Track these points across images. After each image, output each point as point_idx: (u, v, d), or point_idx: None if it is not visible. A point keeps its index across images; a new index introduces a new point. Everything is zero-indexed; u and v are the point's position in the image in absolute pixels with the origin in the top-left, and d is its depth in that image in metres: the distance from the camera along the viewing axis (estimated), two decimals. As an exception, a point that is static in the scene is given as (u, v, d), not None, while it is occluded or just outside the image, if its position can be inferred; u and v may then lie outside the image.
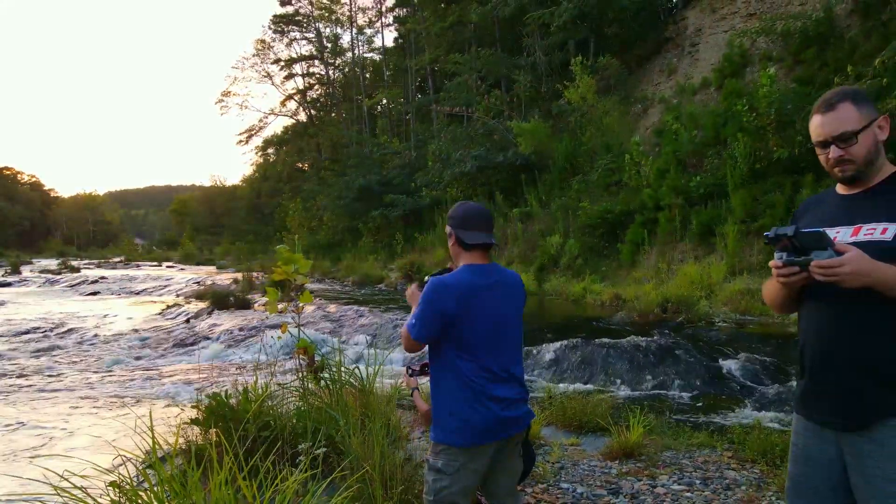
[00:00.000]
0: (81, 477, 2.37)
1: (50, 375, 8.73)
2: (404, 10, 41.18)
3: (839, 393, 1.79)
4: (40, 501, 2.27)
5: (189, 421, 3.78)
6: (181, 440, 3.61)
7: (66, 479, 2.29)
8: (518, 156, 21.57)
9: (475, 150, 23.41)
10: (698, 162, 14.75)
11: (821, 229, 1.72)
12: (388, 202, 28.67)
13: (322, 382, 3.97)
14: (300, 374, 3.93)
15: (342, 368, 4.16)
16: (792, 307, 1.96)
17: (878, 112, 1.83)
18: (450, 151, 25.27)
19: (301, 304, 3.96)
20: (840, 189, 1.92)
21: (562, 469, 4.19)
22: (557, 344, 8.52)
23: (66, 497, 2.26)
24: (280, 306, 4.06)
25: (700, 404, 6.53)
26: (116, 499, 2.35)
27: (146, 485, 2.61)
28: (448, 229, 2.47)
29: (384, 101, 44.20)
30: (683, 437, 4.95)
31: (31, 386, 8.01)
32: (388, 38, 49.87)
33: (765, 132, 12.69)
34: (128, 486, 2.43)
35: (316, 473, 2.55)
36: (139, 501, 2.36)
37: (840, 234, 1.79)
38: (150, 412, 2.92)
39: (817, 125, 1.86)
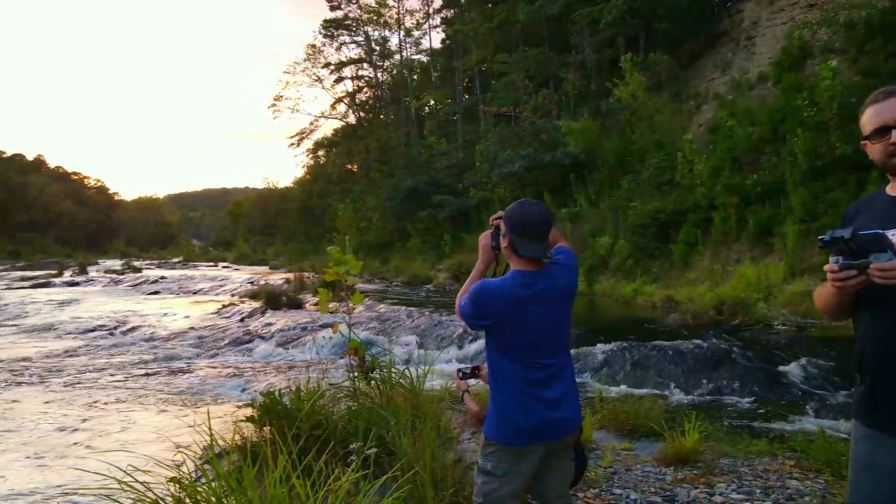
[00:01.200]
0: (144, 472, 2.45)
1: (113, 372, 9.09)
2: (451, 11, 41.29)
3: None
4: (106, 495, 2.35)
5: (244, 418, 3.88)
6: (236, 437, 3.70)
7: (130, 474, 2.38)
8: (567, 155, 21.32)
9: (523, 149, 23.26)
10: (755, 159, 14.27)
11: (879, 231, 1.65)
12: (436, 203, 28.76)
13: (372, 383, 4.01)
14: (351, 374, 3.97)
15: (392, 369, 4.18)
16: (845, 313, 1.89)
17: None
18: (497, 152, 25.19)
19: (352, 305, 4.00)
20: (891, 190, 1.85)
21: (614, 474, 4.11)
22: (608, 346, 8.38)
23: (129, 491, 2.34)
24: (331, 306, 4.11)
25: (759, 410, 6.31)
26: (176, 493, 2.42)
27: (203, 480, 2.68)
28: (503, 228, 2.43)
29: (432, 103, 44.38)
30: (742, 444, 4.79)
31: (96, 382, 8.36)
32: (436, 39, 50.19)
33: (826, 127, 12.18)
34: (186, 482, 2.50)
35: (367, 474, 2.57)
36: (198, 497, 2.42)
37: None
38: (208, 410, 3.00)
39: (876, 112, 1.80)
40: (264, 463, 2.45)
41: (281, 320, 12.87)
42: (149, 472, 2.54)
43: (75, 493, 3.75)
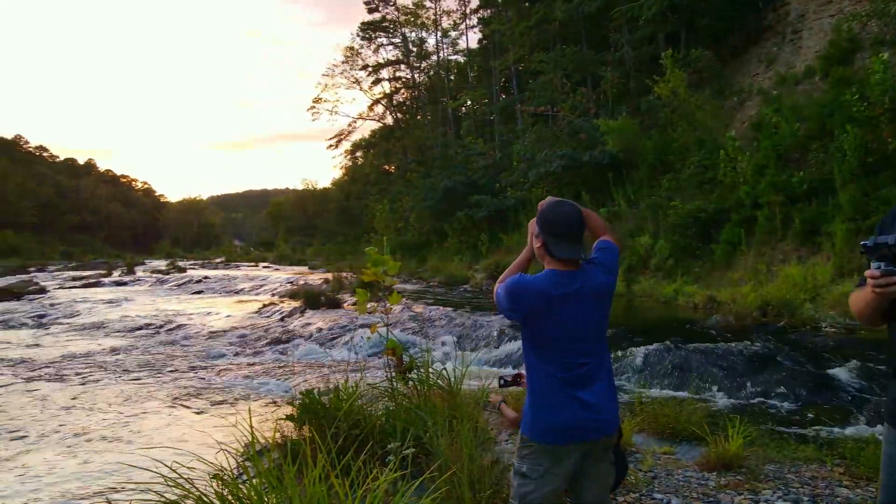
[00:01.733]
0: (188, 468, 2.51)
1: (159, 369, 9.35)
2: (488, 11, 41.20)
3: None
4: (152, 490, 2.42)
5: (284, 417, 3.94)
6: (277, 435, 3.76)
7: (175, 471, 2.44)
8: (605, 154, 21.08)
9: (561, 149, 23.08)
10: (801, 156, 13.85)
11: None
12: (473, 203, 28.75)
13: (410, 383, 4.03)
14: (389, 375, 4.00)
15: (429, 369, 4.19)
16: (882, 319, 1.87)
17: None
18: (535, 151, 25.04)
19: (389, 305, 4.03)
20: None
21: (655, 478, 4.04)
22: (648, 347, 8.25)
23: (174, 487, 2.41)
24: (369, 307, 4.15)
25: (806, 415, 6.12)
26: (219, 490, 2.48)
27: (245, 477, 2.73)
28: (535, 228, 2.40)
29: (468, 103, 44.36)
30: (788, 449, 4.65)
31: (142, 379, 8.61)
32: (472, 39, 50.17)
33: (877, 122, 11.75)
34: (228, 479, 2.56)
35: (405, 474, 2.58)
36: (239, 494, 2.47)
37: None
38: (249, 408, 3.06)
39: None
40: (304, 462, 2.49)
41: (320, 320, 13.04)
42: (192, 468, 2.60)
43: (122, 489, 3.87)
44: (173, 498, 2.42)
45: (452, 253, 29.11)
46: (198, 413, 6.63)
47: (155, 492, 2.40)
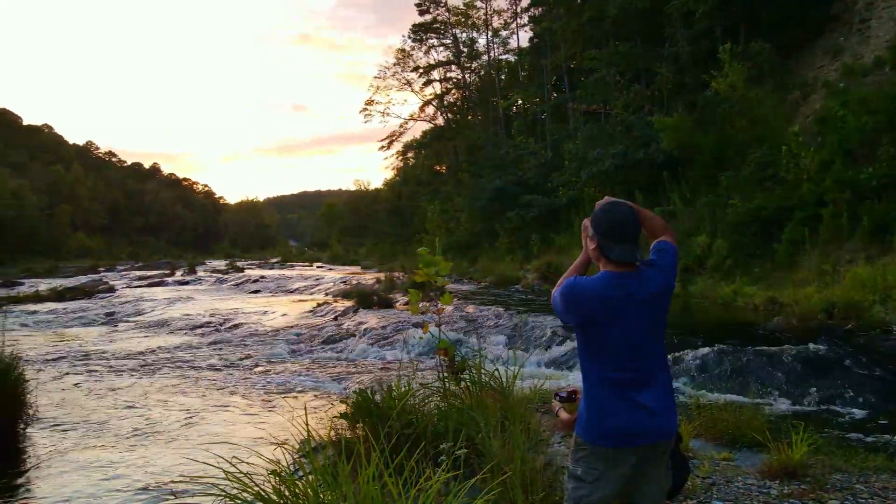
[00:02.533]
0: (247, 464, 2.59)
1: (218, 366, 9.66)
2: (539, 9, 40.86)
3: None
4: (213, 484, 2.50)
5: (338, 415, 4.01)
6: (331, 433, 3.83)
7: (235, 466, 2.52)
8: (660, 152, 20.61)
9: (613, 147, 22.69)
10: (870, 152, 13.18)
11: None
12: (524, 203, 28.57)
13: (462, 383, 4.04)
14: (441, 375, 4.02)
15: (481, 370, 4.20)
16: None
17: None
18: (586, 150, 24.71)
19: (441, 306, 4.05)
20: None
21: (713, 485, 3.92)
22: (705, 350, 8.02)
23: (234, 482, 2.49)
24: (421, 307, 4.18)
25: (876, 422, 5.83)
26: (276, 486, 2.55)
27: (300, 473, 2.80)
28: (589, 230, 2.36)
29: (519, 102, 44.11)
30: (856, 458, 4.45)
31: (202, 375, 8.91)
32: (523, 38, 49.68)
33: (955, 114, 11.09)
34: (285, 475, 2.62)
35: (458, 474, 2.59)
36: (296, 490, 2.53)
37: None
38: (305, 406, 3.13)
39: None
40: (358, 460, 2.53)
41: (372, 319, 13.21)
42: (251, 464, 2.68)
43: (185, 482, 4.01)
44: (233, 492, 2.50)
45: (503, 253, 29.01)
46: (255, 410, 6.82)
47: (216, 486, 2.48)
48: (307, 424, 3.08)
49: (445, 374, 3.98)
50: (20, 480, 4.70)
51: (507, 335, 10.86)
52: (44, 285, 26.94)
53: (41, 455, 5.21)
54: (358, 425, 3.86)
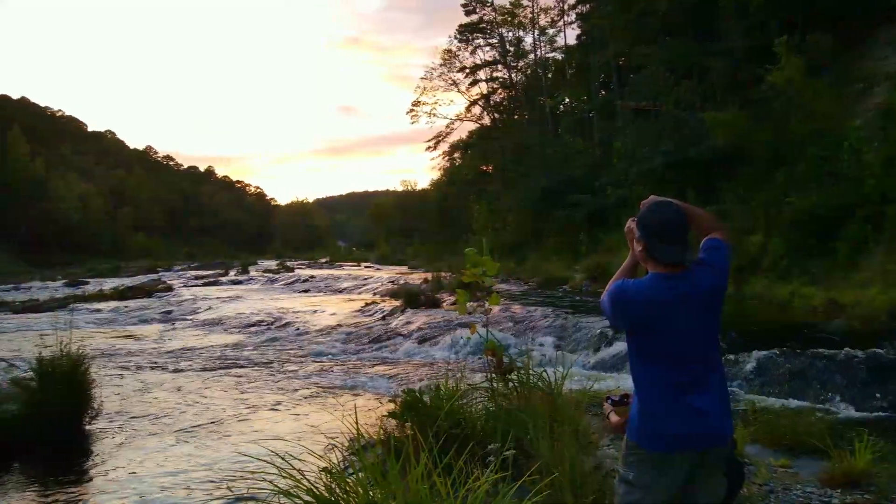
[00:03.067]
0: (299, 460, 2.65)
1: (270, 364, 9.89)
2: (587, 6, 40.33)
3: None
4: (267, 480, 2.57)
5: (386, 414, 4.06)
6: (380, 431, 3.88)
7: (287, 462, 2.58)
8: (712, 149, 20.04)
9: (663, 145, 22.20)
10: (940, 145, 12.53)
11: None
12: (572, 202, 28.23)
13: (510, 384, 4.02)
14: (489, 375, 4.02)
15: (530, 371, 4.17)
16: None
17: None
18: (636, 148, 24.26)
19: (489, 306, 4.05)
20: None
21: (771, 493, 3.80)
22: (761, 353, 7.77)
23: (287, 478, 2.55)
24: (469, 307, 4.18)
25: (947, 431, 5.53)
26: (327, 483, 2.59)
27: (350, 471, 2.84)
28: (637, 233, 2.31)
29: (567, 101, 43.64)
30: (925, 468, 4.23)
31: (255, 373, 9.14)
32: (571, 36, 49.11)
33: None
34: (336, 472, 2.67)
35: (506, 475, 2.59)
36: (346, 487, 2.58)
37: None
38: (354, 404, 3.18)
39: None
40: (406, 459, 2.55)
41: (420, 319, 13.29)
42: (303, 460, 2.74)
43: (239, 477, 4.12)
44: (285, 487, 2.56)
45: (551, 253, 28.73)
46: (305, 407, 6.96)
47: (269, 481, 2.54)
48: (356, 423, 3.13)
49: (493, 375, 3.97)
50: (85, 471, 4.92)
51: (555, 336, 10.75)
52: (107, 285, 28.15)
53: (104, 447, 5.44)
54: (406, 424, 3.89)
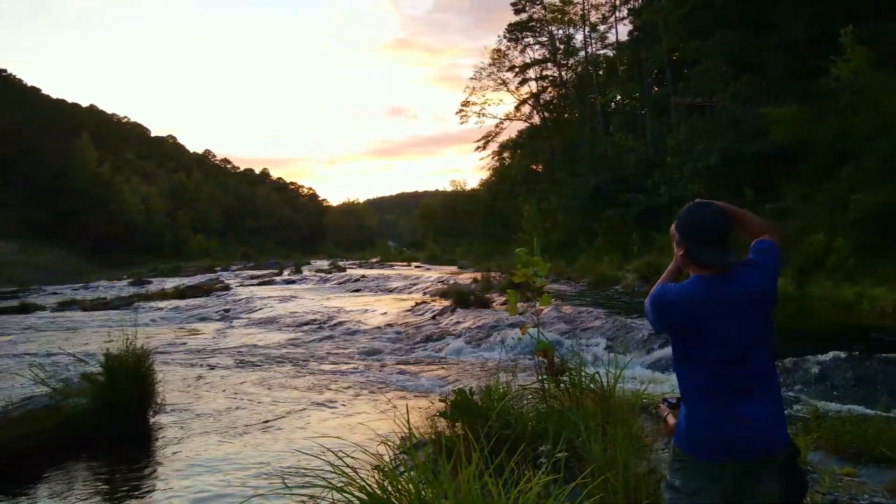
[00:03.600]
0: (351, 458, 2.70)
1: (323, 362, 10.07)
2: (639, 0, 39.58)
3: None
4: (320, 476, 2.62)
5: (437, 413, 4.08)
6: (431, 430, 3.91)
7: (341, 459, 2.63)
8: (771, 145, 19.36)
9: (719, 141, 21.58)
10: None
11: None
12: (624, 201, 27.78)
13: (562, 385, 3.99)
14: (540, 376, 3.99)
15: (582, 372, 4.13)
16: None
17: None
18: (691, 145, 23.66)
19: (540, 307, 4.02)
20: None
21: (835, 502, 3.65)
22: (825, 357, 7.45)
23: (340, 474, 2.60)
24: (519, 307, 4.17)
25: None
26: (380, 481, 2.63)
27: (402, 469, 2.87)
28: (676, 236, 2.25)
29: (618, 98, 42.93)
30: None
31: (308, 371, 9.33)
32: (622, 32, 48.31)
33: None
34: (388, 470, 2.71)
35: (558, 478, 2.57)
36: (398, 485, 2.61)
37: None
38: (406, 404, 3.21)
39: None
40: (457, 458, 2.57)
41: (469, 319, 13.30)
42: (355, 458, 2.79)
43: (294, 473, 4.22)
44: (339, 485, 2.61)
45: (602, 252, 28.31)
46: (357, 404, 7.06)
47: (324, 478, 2.60)
48: (408, 422, 3.16)
49: (545, 376, 3.94)
50: (147, 464, 5.13)
51: (606, 337, 10.60)
52: (168, 284, 29.25)
53: (165, 441, 5.66)
54: (457, 424, 3.91)
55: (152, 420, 6.02)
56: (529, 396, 4.04)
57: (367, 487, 2.57)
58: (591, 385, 4.10)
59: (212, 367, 9.55)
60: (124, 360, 5.61)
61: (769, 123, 19.49)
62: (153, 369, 5.95)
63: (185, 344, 12.13)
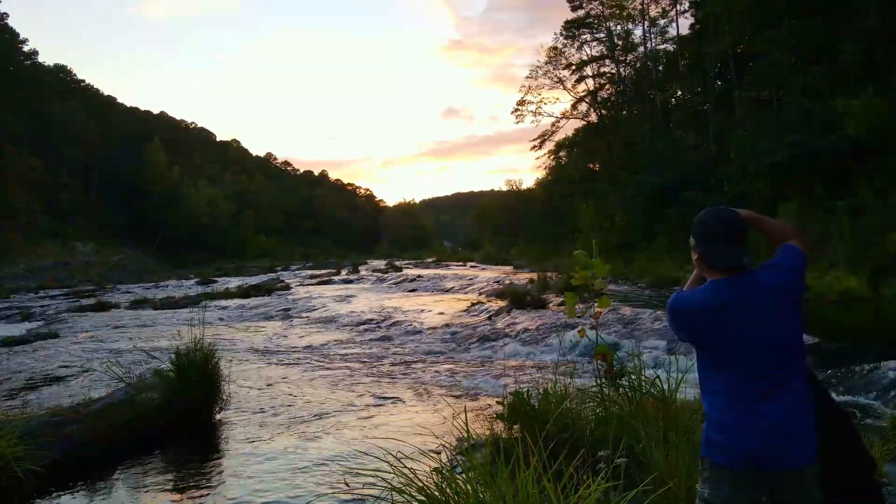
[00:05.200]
0: (410, 459, 2.73)
1: (381, 362, 10.21)
2: (702, -8, 38.42)
3: None
4: (380, 477, 2.67)
5: (494, 415, 4.09)
6: (487, 432, 3.91)
7: (400, 461, 2.67)
8: (845, 139, 18.48)
9: (788, 137, 20.73)
10: None
11: None
12: (685, 200, 27.03)
13: (621, 389, 3.93)
14: (598, 380, 3.94)
15: (642, 376, 4.05)
16: None
17: None
18: (756, 141, 22.83)
19: (598, 309, 3.96)
20: None
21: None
22: (904, 363, 7.06)
23: (399, 475, 2.64)
24: (577, 309, 4.12)
25: None
26: (438, 482, 2.66)
27: (459, 470, 2.89)
28: (692, 241, 2.25)
29: (679, 94, 41.82)
30: None
31: (366, 370, 9.47)
32: (683, 26, 46.92)
33: None
34: (446, 472, 2.73)
35: (618, 485, 2.53)
36: (456, 487, 2.63)
37: None
38: (464, 405, 3.23)
39: None
40: (516, 461, 2.56)
41: (526, 320, 13.22)
42: (412, 458, 2.82)
43: (353, 472, 4.30)
44: (398, 485, 2.65)
45: (662, 253, 27.64)
46: (414, 404, 7.13)
47: (383, 479, 2.64)
48: (466, 423, 3.17)
49: (603, 380, 3.89)
50: (212, 458, 5.32)
51: (666, 339, 10.33)
52: (232, 283, 30.26)
53: (230, 436, 5.86)
54: (514, 427, 3.90)
55: (218, 416, 6.24)
56: (588, 401, 4.00)
57: (426, 489, 2.60)
58: (652, 390, 4.02)
59: (274, 365, 9.83)
60: (193, 357, 5.85)
61: (842, 116, 18.62)
62: (219, 366, 6.17)
63: (248, 342, 12.52)
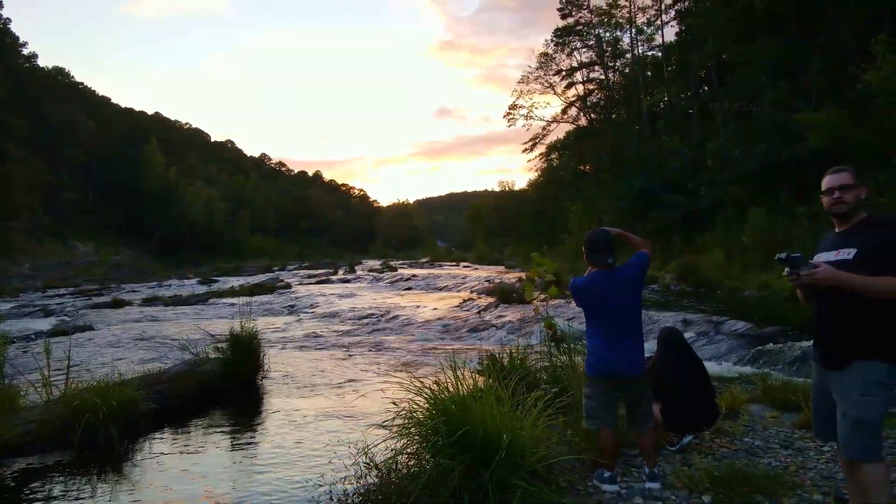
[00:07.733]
0: (410, 402, 4.23)
1: (384, 350, 11.71)
2: (686, 2, 40.02)
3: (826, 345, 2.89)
4: (392, 419, 4.17)
5: (476, 371, 5.59)
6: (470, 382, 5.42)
7: (408, 402, 4.17)
8: (807, 150, 20.06)
9: (758, 146, 22.31)
10: None
11: (800, 254, 2.84)
12: (667, 203, 28.46)
13: (561, 348, 5.46)
14: (547, 343, 5.49)
15: (571, 342, 5.57)
16: (805, 300, 3.10)
17: None
18: (731, 149, 24.37)
19: (549, 294, 5.50)
20: (836, 228, 3.05)
21: (752, 430, 5.08)
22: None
23: (415, 402, 4.13)
24: (543, 297, 5.64)
25: None
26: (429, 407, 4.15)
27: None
28: (583, 248, 3.83)
29: (665, 99, 43.40)
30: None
31: (372, 353, 10.97)
32: (669, 34, 48.70)
33: None
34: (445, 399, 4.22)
35: (548, 397, 4.07)
36: (444, 408, 4.12)
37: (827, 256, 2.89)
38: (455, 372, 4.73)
39: (826, 181, 3.11)
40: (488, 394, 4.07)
41: (511, 313, 14.76)
42: (413, 402, 4.30)
43: (378, 425, 5.81)
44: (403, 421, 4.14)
45: (645, 253, 29.06)
46: (415, 373, 8.61)
47: (396, 419, 4.14)
48: (456, 377, 4.66)
49: (551, 343, 5.42)
50: (258, 417, 6.79)
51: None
52: (232, 282, 31.57)
53: (271, 399, 7.35)
54: (490, 380, 5.41)
55: (260, 383, 7.76)
56: (540, 358, 5.54)
57: (433, 408, 4.09)
58: (579, 347, 5.54)
59: (293, 348, 11.33)
60: (242, 337, 7.38)
61: (805, 128, 20.17)
62: (261, 344, 7.69)
63: (265, 332, 14.00)
